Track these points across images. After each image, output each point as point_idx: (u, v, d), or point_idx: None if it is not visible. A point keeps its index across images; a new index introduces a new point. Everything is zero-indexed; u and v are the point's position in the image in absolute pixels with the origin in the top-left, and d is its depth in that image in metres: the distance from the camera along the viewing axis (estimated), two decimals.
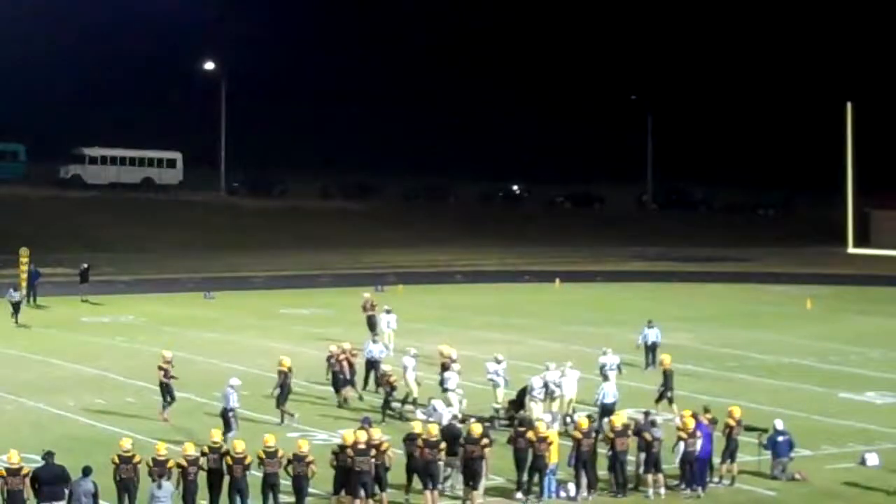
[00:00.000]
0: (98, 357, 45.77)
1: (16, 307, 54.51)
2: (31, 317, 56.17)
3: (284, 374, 35.23)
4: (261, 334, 51.04)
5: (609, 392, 34.15)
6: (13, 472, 24.70)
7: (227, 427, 31.98)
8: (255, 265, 79.60)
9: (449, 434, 28.30)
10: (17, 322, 53.84)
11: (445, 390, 34.89)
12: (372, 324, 47.32)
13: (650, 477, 28.43)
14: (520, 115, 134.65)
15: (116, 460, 25.78)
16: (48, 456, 25.35)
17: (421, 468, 27.40)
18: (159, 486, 25.26)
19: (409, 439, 27.78)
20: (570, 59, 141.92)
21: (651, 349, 42.73)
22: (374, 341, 39.99)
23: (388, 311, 47.14)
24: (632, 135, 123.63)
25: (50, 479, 24.93)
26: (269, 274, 75.93)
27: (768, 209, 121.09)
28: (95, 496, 24.85)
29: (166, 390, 35.49)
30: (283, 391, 35.21)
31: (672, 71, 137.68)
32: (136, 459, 25.79)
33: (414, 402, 35.88)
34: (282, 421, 34.76)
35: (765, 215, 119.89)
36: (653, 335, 42.99)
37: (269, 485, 26.54)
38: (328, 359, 37.63)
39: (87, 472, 25.01)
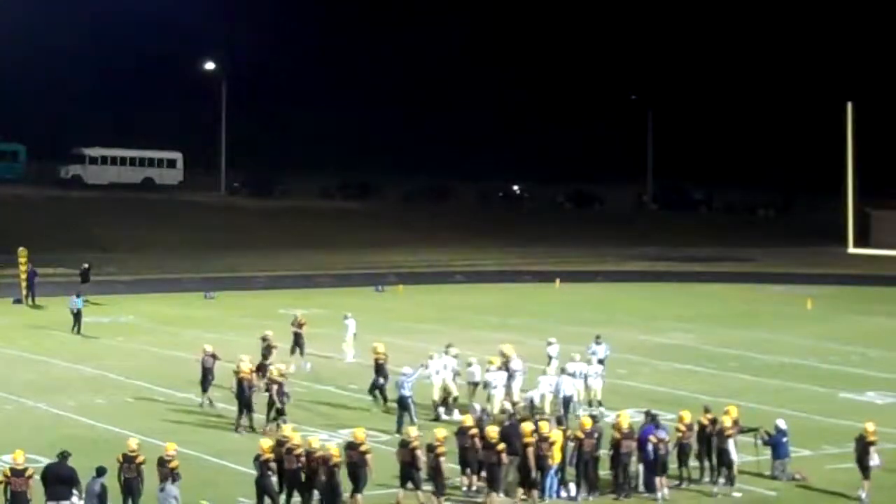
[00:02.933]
0: (98, 357, 45.74)
1: (77, 316, 51.50)
2: (31, 317, 56.15)
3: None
4: (261, 334, 50.88)
5: (566, 385, 34.12)
6: (17, 473, 24.64)
7: (404, 411, 33.10)
8: (255, 265, 79.49)
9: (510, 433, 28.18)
10: (79, 332, 51.16)
11: (476, 385, 35.35)
12: (299, 343, 44.00)
13: (656, 479, 28.34)
14: (520, 115, 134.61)
15: (120, 459, 25.74)
16: (62, 457, 25.26)
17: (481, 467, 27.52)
18: (161, 489, 25.01)
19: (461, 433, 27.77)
20: (570, 59, 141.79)
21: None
22: (447, 352, 37.50)
23: (346, 318, 45.33)
24: (632, 134, 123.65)
25: (53, 479, 24.91)
26: (269, 274, 75.82)
27: (768, 209, 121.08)
28: (101, 497, 24.79)
29: (274, 404, 33.90)
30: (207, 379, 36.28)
31: (672, 71, 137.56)
32: (140, 459, 25.68)
33: (455, 402, 35.77)
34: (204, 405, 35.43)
35: (765, 215, 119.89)
36: (601, 351, 40.46)
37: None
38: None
39: (100, 472, 24.98)
